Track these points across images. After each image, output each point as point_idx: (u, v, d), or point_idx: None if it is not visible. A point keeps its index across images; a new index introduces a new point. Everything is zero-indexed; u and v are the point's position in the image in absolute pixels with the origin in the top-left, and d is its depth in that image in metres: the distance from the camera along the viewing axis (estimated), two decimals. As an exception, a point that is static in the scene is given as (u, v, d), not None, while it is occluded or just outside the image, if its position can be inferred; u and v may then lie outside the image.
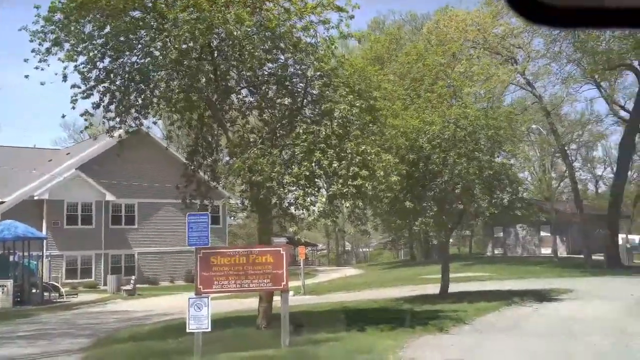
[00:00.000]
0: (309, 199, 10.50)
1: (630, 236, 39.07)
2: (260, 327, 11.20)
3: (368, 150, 10.35)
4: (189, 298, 8.72)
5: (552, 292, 18.03)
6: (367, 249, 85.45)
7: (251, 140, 12.15)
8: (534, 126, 33.55)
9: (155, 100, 13.31)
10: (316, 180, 10.94)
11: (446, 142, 15.04)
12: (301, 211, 11.01)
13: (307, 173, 10.36)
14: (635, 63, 26.26)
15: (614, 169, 52.98)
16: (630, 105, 38.43)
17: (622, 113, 38.32)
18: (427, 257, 47.98)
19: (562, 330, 10.47)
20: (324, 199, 10.56)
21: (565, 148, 30.60)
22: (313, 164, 10.52)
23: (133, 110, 13.25)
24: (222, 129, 13.44)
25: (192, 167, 14.12)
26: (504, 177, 15.60)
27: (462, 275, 26.53)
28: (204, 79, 12.33)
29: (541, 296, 16.94)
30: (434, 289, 19.31)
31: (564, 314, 12.75)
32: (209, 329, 8.63)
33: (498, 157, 15.99)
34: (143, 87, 13.07)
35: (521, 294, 17.17)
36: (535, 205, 17.86)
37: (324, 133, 10.56)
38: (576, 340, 9.34)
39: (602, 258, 29.07)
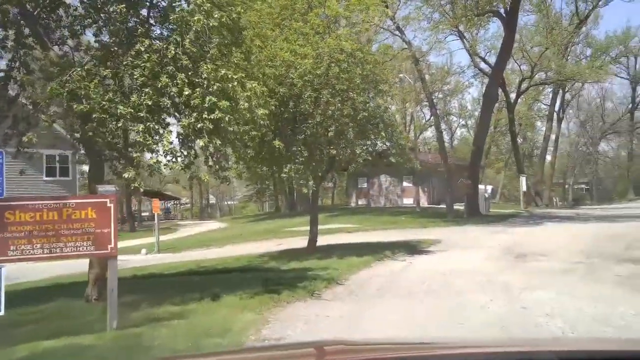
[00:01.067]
0: (151, 137, 8.16)
1: (483, 186, 40.72)
2: (90, 300, 8.87)
3: (229, 76, 8.21)
4: (-30, 270, 6.19)
5: (422, 243, 17.43)
6: (232, 202, 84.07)
7: (77, 59, 9.44)
8: (401, 75, 33.15)
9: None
10: (163, 113, 8.61)
11: (319, 78, 13.33)
12: (142, 153, 8.69)
13: (150, 102, 8.02)
14: (502, 10, 26.31)
15: (467, 122, 55.48)
16: (490, 58, 39.75)
17: (483, 65, 39.45)
18: (292, 208, 47.23)
19: (444, 288, 9.36)
20: (171, 137, 8.27)
21: (432, 98, 30.49)
22: (158, 92, 8.19)
23: None
24: (43, 49, 10.53)
25: (7, 99, 11.08)
26: (379, 121, 14.27)
27: (328, 227, 25.61)
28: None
29: (411, 248, 16.21)
30: (300, 242, 18.00)
31: (440, 268, 11.81)
32: (2, 312, 6.23)
33: (373, 98, 14.58)
34: None
35: (391, 246, 16.33)
36: (408, 154, 16.81)
37: (172, 52, 8.24)
38: (464, 300, 8.21)
39: (462, 207, 29.67)
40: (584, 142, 63.62)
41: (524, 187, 38.67)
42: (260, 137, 12.43)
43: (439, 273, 11.14)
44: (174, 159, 8.49)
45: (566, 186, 65.85)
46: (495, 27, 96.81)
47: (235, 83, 8.25)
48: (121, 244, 29.32)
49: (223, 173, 9.01)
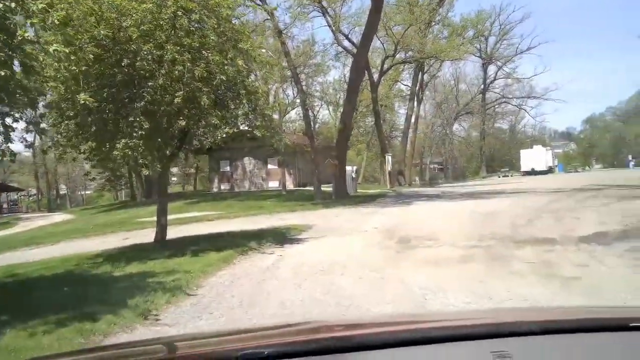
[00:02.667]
0: None
1: (350, 167, 39.93)
2: None
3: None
4: None
5: (291, 230, 15.34)
6: (86, 192, 77.76)
7: None
8: (262, 50, 30.72)
9: None
10: None
11: (163, 31, 10.54)
12: None
13: None
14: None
15: (331, 100, 54.45)
16: (353, 37, 38.60)
17: (346, 43, 38.19)
18: (149, 196, 43.30)
19: (329, 293, 7.20)
20: None
21: (297, 72, 28.44)
22: None
23: None
24: None
25: None
26: (239, 87, 11.79)
27: (186, 216, 22.83)
28: None
29: (280, 236, 14.05)
30: (151, 234, 15.08)
31: (318, 262, 9.73)
32: None
33: (232, 61, 11.97)
34: None
35: (257, 235, 14.05)
36: (274, 126, 14.54)
37: None
38: (360, 313, 6.11)
39: (329, 189, 28.22)
40: (439, 123, 65.88)
41: (389, 167, 38.27)
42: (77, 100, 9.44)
43: (317, 269, 9.01)
44: None
45: (423, 166, 67.95)
46: (358, 3, 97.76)
47: (13, 4, 5.34)
48: None
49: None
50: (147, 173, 11.34)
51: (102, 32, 9.27)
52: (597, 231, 10.85)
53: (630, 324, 1.85)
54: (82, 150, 11.72)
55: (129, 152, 10.25)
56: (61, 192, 76.24)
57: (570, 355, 1.73)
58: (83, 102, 7.29)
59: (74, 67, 6.69)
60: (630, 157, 66.38)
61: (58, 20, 5.08)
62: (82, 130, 10.87)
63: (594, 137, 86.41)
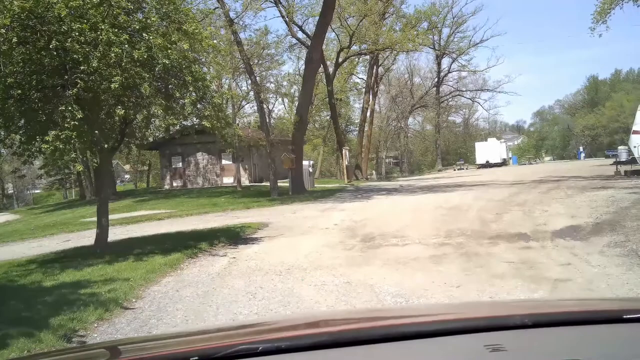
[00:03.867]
0: None
1: (307, 161, 39.08)
2: None
3: None
4: None
5: (246, 228, 14.37)
6: (34, 191, 74.59)
7: None
8: (214, 41, 29.46)
9: None
10: None
11: (97, 10, 9.37)
12: None
13: None
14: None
15: (287, 91, 53.39)
16: (307, 27, 37.65)
17: (300, 35, 37.21)
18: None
19: (289, 305, 6.31)
20: None
21: (251, 63, 27.27)
22: None
23: None
24: None
25: None
26: (185, 73, 10.71)
27: (134, 215, 21.55)
28: None
29: (234, 236, 13.08)
30: (94, 236, 13.90)
31: (274, 265, 8.83)
32: None
33: (175, 44, 10.86)
34: None
35: (209, 235, 13.07)
36: (226, 117, 13.51)
37: None
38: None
39: (286, 184, 27.32)
40: (395, 116, 65.64)
41: (346, 161, 37.55)
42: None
43: (274, 274, 8.10)
44: None
45: (379, 160, 67.73)
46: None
47: None
48: None
49: None
50: (80, 168, 10.16)
51: (15, 2, 8.05)
52: (569, 225, 10.32)
53: (624, 316, 1.84)
54: (9, 145, 10.46)
55: (61, 146, 9.08)
56: (10, 192, 72.75)
57: (564, 348, 1.66)
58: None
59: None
60: (581, 149, 67.91)
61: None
62: (8, 121, 9.63)
63: (543, 130, 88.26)
